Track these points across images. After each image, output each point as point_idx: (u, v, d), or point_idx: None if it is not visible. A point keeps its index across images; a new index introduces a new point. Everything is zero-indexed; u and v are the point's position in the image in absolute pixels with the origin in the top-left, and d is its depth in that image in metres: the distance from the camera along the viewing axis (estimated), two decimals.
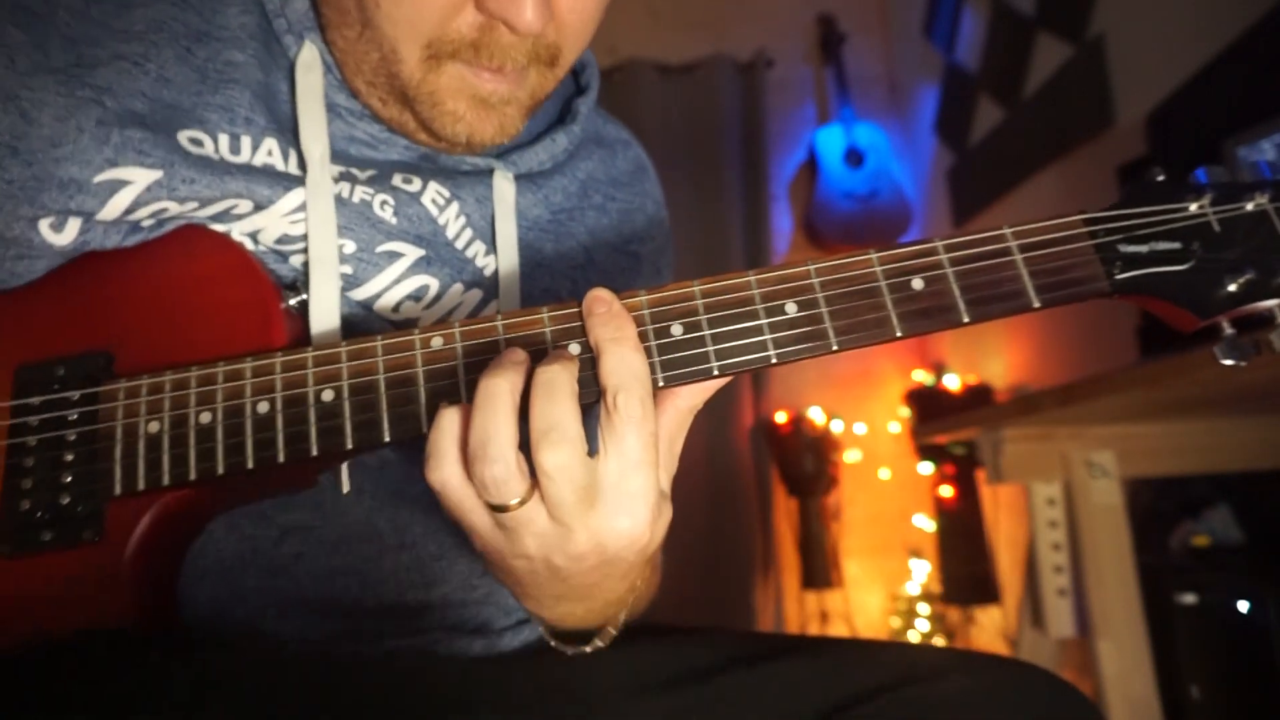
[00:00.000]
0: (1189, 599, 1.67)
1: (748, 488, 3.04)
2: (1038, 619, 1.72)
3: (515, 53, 0.65)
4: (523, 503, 0.50)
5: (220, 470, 0.55)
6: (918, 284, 0.55)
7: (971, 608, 2.81)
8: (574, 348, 0.54)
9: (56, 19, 0.63)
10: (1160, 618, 1.61)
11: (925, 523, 3.01)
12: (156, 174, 0.62)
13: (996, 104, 2.73)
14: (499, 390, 0.50)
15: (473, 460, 0.49)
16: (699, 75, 3.27)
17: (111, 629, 0.56)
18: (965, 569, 2.77)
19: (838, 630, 2.95)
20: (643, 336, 0.55)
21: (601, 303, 0.55)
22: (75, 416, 0.58)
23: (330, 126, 0.69)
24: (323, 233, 0.66)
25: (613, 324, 0.53)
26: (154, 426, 0.57)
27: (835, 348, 0.54)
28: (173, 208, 0.63)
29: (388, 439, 0.55)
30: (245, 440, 0.55)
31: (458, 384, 0.55)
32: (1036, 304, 0.54)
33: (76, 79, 0.61)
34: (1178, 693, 1.62)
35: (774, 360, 0.54)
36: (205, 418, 0.56)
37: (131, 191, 0.61)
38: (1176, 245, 0.54)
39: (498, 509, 0.50)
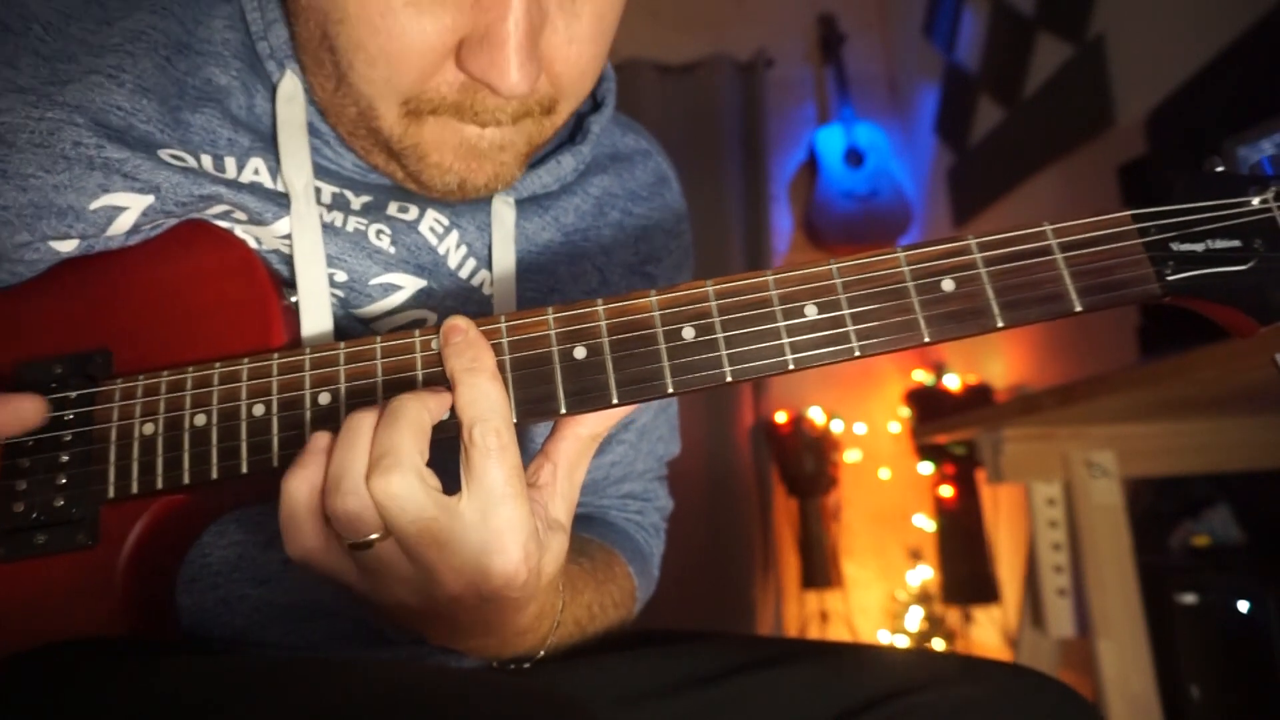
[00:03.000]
0: (1189, 599, 1.67)
1: (748, 488, 3.04)
2: (1038, 619, 1.72)
3: (501, 113, 0.60)
4: (382, 538, 0.48)
5: (214, 475, 0.54)
6: (948, 285, 0.51)
7: (971, 608, 2.81)
8: (580, 351, 0.52)
9: (30, 35, 0.61)
10: (1160, 618, 1.61)
11: (925, 523, 3.01)
12: (148, 199, 0.60)
13: (996, 104, 2.73)
14: (362, 425, 0.48)
15: (328, 493, 0.48)
16: (699, 75, 3.27)
17: (108, 635, 0.55)
18: (965, 569, 2.77)
19: (838, 630, 2.95)
20: (651, 339, 0.52)
21: (457, 331, 0.52)
22: (71, 416, 0.57)
23: (319, 152, 0.67)
24: (311, 270, 0.63)
25: (468, 353, 0.51)
26: (149, 428, 0.56)
27: (858, 353, 0.51)
28: (173, 220, 0.62)
29: None
30: (240, 444, 0.54)
31: None
32: (1078, 307, 0.50)
33: (47, 99, 0.59)
34: (1178, 693, 1.62)
35: (791, 366, 0.51)
36: (200, 420, 0.55)
37: (130, 216, 0.61)
38: (1236, 243, 0.50)
39: (359, 547, 0.48)
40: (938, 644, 2.86)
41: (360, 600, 0.53)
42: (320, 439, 0.50)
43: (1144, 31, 2.08)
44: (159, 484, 0.55)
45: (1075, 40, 2.32)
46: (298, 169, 0.64)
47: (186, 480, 0.55)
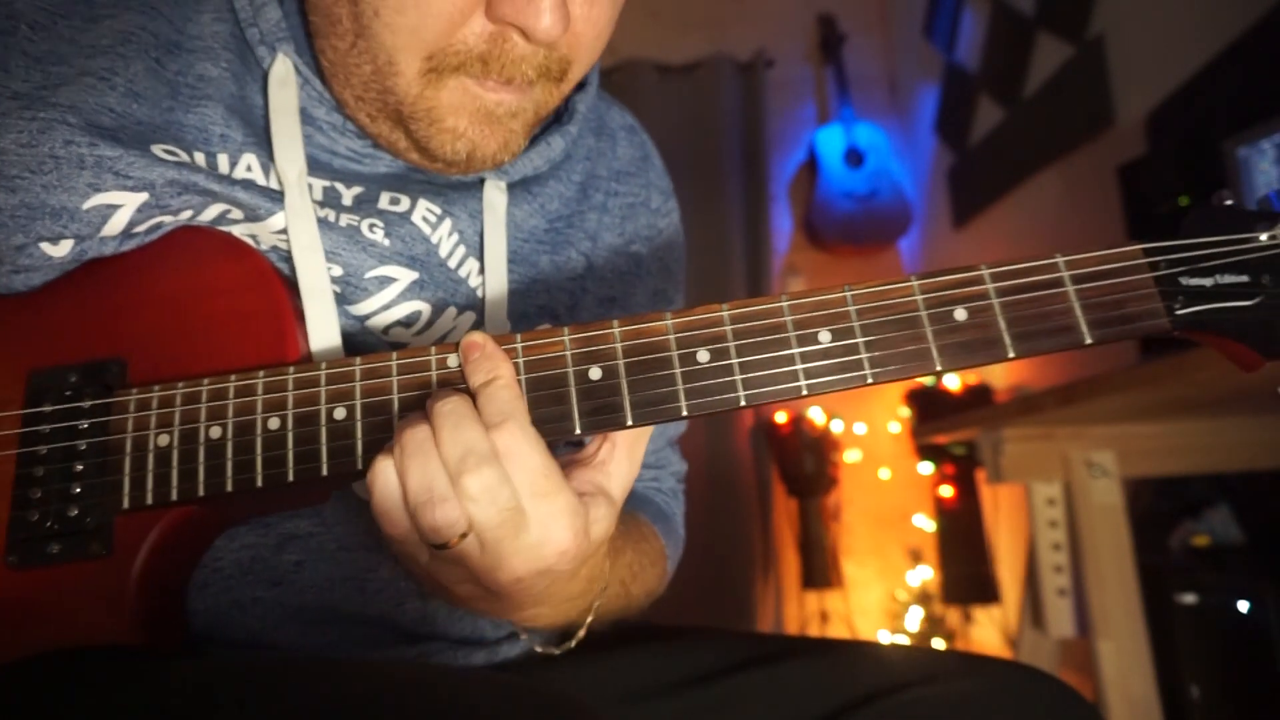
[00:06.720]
0: (1189, 599, 1.67)
1: (748, 488, 3.04)
2: (1038, 619, 1.72)
3: (526, 65, 0.61)
4: (463, 538, 0.50)
5: (229, 488, 0.54)
6: (960, 314, 0.52)
7: (971, 608, 2.81)
8: (595, 372, 0.53)
9: (18, 34, 0.60)
10: (1160, 618, 1.61)
11: (925, 523, 3.01)
12: (142, 196, 0.60)
13: (996, 104, 2.73)
14: (425, 436, 0.50)
15: (422, 508, 0.49)
16: (699, 75, 3.27)
17: (118, 644, 0.55)
18: (965, 569, 2.77)
19: (837, 630, 2.95)
20: (667, 362, 0.53)
21: (475, 348, 0.54)
22: (86, 426, 0.57)
23: (311, 141, 0.67)
24: (309, 259, 0.63)
25: (485, 366, 0.53)
26: (164, 440, 0.56)
27: (870, 380, 0.52)
28: (168, 220, 0.62)
29: None
30: (255, 458, 0.55)
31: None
32: (1089, 340, 0.51)
33: (40, 100, 0.59)
34: (1178, 693, 1.62)
35: (804, 392, 0.52)
36: (215, 432, 0.55)
37: (124, 214, 0.60)
38: (1244, 278, 0.50)
39: (439, 547, 0.50)
40: (938, 644, 2.86)
41: (432, 586, 0.56)
42: (416, 429, 0.51)
43: (1144, 31, 2.08)
44: (173, 495, 0.55)
45: (1075, 40, 2.32)
46: (290, 159, 0.64)
47: (201, 493, 0.55)
